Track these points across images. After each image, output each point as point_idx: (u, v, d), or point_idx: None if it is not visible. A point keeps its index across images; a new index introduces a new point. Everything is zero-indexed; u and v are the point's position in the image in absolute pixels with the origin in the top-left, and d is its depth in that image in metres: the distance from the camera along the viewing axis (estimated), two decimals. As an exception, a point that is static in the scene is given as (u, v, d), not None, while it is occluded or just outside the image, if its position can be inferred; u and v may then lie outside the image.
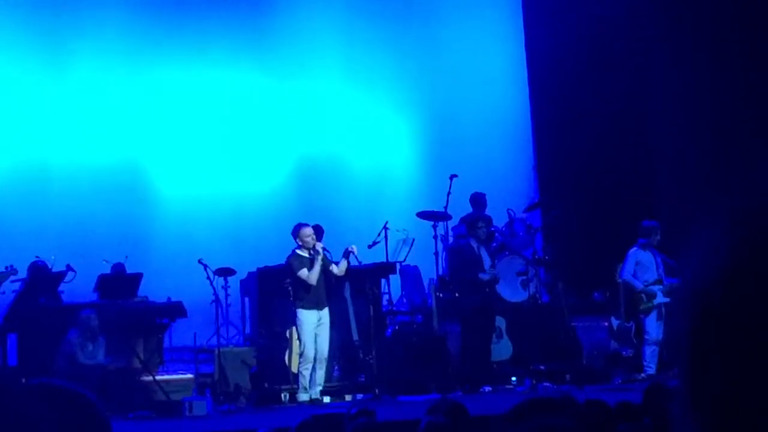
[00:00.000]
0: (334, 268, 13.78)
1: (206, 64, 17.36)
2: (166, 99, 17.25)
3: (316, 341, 13.49)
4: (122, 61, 16.98)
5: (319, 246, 13.64)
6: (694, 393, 1.11)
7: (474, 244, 14.36)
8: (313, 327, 13.50)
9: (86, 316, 13.24)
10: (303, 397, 13.46)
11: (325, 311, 13.63)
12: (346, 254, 13.83)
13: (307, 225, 13.84)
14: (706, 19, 16.25)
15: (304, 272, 13.53)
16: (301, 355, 13.52)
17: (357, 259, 14.27)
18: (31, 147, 16.54)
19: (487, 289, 14.31)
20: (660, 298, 14.27)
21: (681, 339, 1.12)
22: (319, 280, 13.58)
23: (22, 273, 13.83)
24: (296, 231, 13.74)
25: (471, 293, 14.14)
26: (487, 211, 15.77)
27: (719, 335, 1.08)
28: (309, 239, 13.63)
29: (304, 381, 13.48)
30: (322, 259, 13.69)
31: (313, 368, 13.52)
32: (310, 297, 13.54)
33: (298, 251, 13.69)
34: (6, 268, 13.51)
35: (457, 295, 14.95)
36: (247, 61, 17.61)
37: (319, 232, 15.23)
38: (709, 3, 16.20)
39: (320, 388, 13.59)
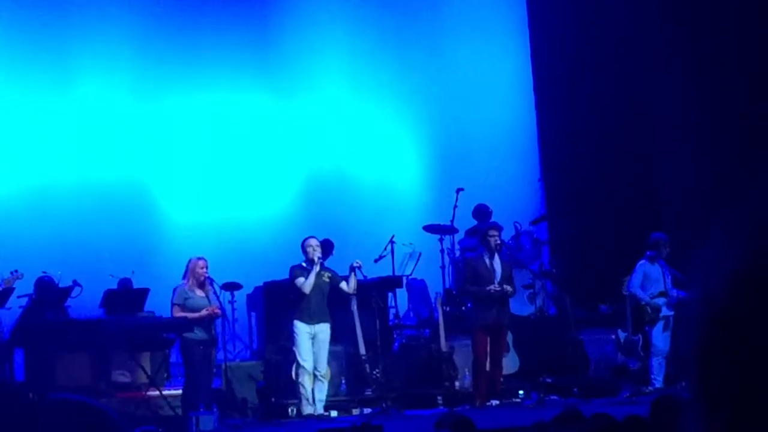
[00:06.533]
0: (344, 286, 13.74)
1: (211, 82, 17.37)
2: (172, 116, 17.27)
3: (312, 354, 13.48)
4: (128, 81, 17.02)
5: (316, 257, 13.63)
6: (704, 404, 1.11)
7: (486, 257, 14.12)
8: (308, 338, 13.48)
9: None
10: (308, 409, 13.42)
11: (321, 327, 13.54)
12: (352, 270, 13.82)
13: (312, 237, 13.87)
14: (708, 30, 16.25)
15: (300, 280, 13.57)
16: (298, 366, 13.50)
17: (362, 274, 14.26)
18: (39, 164, 16.58)
19: (497, 306, 14.00)
20: (665, 311, 14.24)
21: (692, 350, 1.12)
22: (317, 295, 13.55)
23: (29, 288, 13.84)
24: (302, 243, 13.81)
25: (480, 307, 14.01)
26: (493, 224, 15.74)
27: (730, 345, 1.08)
28: (309, 249, 13.66)
29: (306, 392, 13.44)
30: (329, 277, 13.69)
31: (314, 384, 13.50)
32: (303, 308, 13.54)
33: (302, 263, 13.73)
34: (11, 273, 13.52)
35: (463, 309, 14.93)
36: (253, 79, 17.62)
37: (329, 246, 15.24)
38: (713, 17, 16.20)
39: (323, 403, 13.55)
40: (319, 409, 13.49)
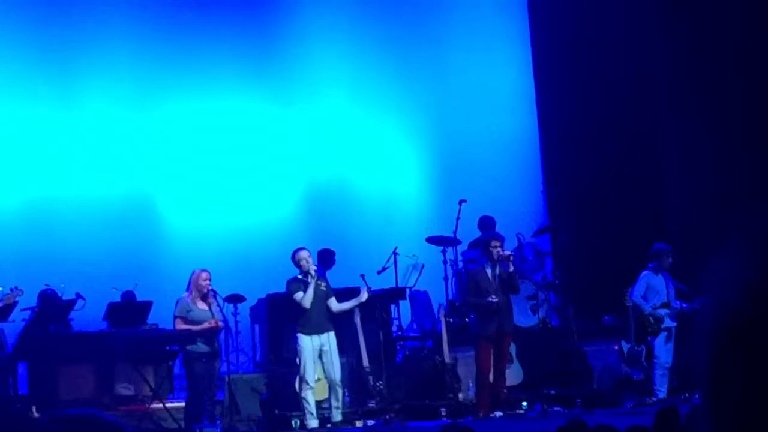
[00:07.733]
0: (332, 303, 13.68)
1: (213, 92, 17.40)
2: (174, 127, 17.29)
3: (323, 368, 13.44)
4: (128, 92, 17.03)
5: (312, 269, 13.60)
6: (715, 414, 1.11)
7: (488, 268, 14.00)
8: (313, 352, 13.43)
9: None
10: (312, 423, 13.39)
11: (327, 336, 13.52)
12: (365, 292, 13.76)
13: (302, 249, 13.79)
14: (710, 36, 16.26)
15: (299, 295, 13.51)
16: (301, 380, 13.46)
17: (366, 285, 14.22)
18: (41, 177, 16.59)
19: (499, 316, 13.87)
20: (667, 322, 14.21)
21: (703, 361, 1.12)
22: (318, 305, 13.50)
23: (32, 301, 13.84)
24: (293, 256, 13.74)
25: (483, 318, 13.96)
26: (496, 236, 15.72)
27: (742, 356, 1.08)
28: (303, 263, 13.60)
29: (309, 406, 13.39)
30: (325, 287, 13.68)
31: (329, 394, 13.47)
32: (307, 321, 13.50)
33: (298, 276, 13.69)
34: (11, 289, 13.51)
35: (467, 320, 14.90)
36: (255, 89, 17.65)
37: (330, 256, 15.22)
38: (714, 23, 16.20)
39: (340, 410, 13.47)
40: (337, 417, 13.41)
